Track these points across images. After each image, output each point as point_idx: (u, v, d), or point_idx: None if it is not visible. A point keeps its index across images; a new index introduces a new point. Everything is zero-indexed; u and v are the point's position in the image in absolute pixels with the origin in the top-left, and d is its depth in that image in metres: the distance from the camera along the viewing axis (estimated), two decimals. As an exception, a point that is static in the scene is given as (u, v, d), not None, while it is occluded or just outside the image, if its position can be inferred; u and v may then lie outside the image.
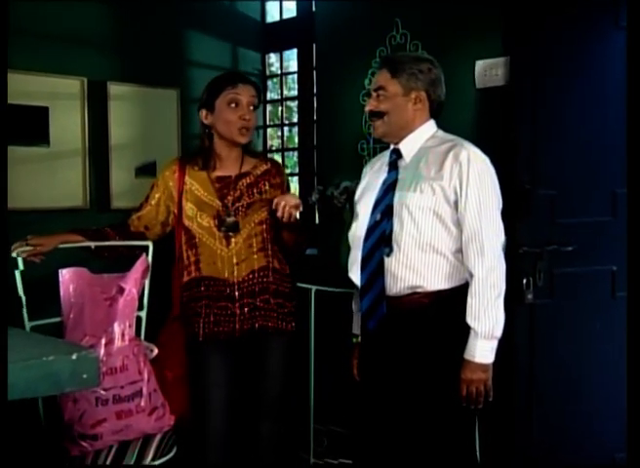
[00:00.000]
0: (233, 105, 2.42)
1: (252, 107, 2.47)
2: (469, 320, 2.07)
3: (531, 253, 2.77)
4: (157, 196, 2.56)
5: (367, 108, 2.27)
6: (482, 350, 2.06)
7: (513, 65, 2.86)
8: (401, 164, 2.24)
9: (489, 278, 2.06)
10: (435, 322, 2.12)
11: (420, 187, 2.12)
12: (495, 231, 2.10)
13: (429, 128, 2.26)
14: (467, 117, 3.05)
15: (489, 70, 2.99)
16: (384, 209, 2.17)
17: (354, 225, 2.31)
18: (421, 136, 2.24)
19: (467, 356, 2.08)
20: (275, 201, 2.39)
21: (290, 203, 2.37)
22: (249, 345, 2.49)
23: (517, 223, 2.71)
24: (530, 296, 2.76)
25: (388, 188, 2.20)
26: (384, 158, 2.34)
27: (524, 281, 2.74)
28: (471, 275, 2.08)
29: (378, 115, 2.24)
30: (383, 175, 2.26)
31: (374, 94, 2.25)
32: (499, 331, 2.07)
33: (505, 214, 2.18)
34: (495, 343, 2.08)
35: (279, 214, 2.37)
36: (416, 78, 2.20)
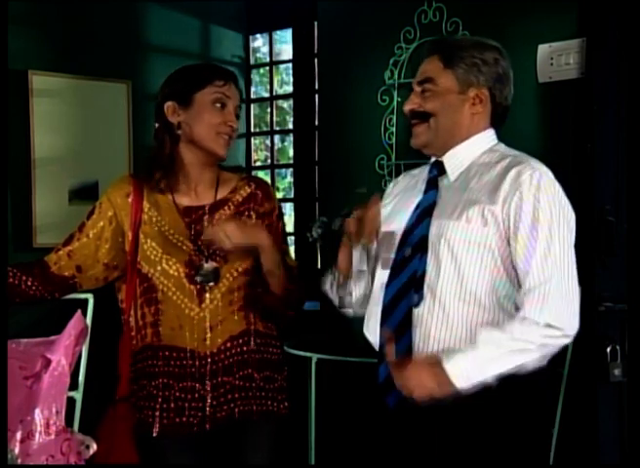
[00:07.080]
0: (219, 106, 2.46)
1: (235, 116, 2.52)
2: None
3: (616, 310, 2.75)
4: (100, 225, 2.51)
5: (406, 107, 2.26)
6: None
7: (593, 50, 2.87)
8: (443, 183, 2.24)
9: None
10: (484, 403, 2.06)
11: (466, 214, 2.10)
12: (567, 280, 2.08)
13: (487, 139, 2.26)
14: (524, 122, 3.06)
15: (557, 58, 3.01)
16: (417, 241, 2.16)
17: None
18: (475, 149, 2.24)
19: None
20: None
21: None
22: (225, 439, 2.47)
23: (596, 269, 2.71)
24: (617, 372, 2.72)
25: (423, 214, 2.19)
26: (421, 174, 2.34)
27: (608, 350, 2.72)
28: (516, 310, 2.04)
29: (421, 117, 2.24)
30: (418, 197, 2.27)
31: (417, 88, 2.25)
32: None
33: (579, 257, 2.14)
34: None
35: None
36: (478, 70, 2.20)
